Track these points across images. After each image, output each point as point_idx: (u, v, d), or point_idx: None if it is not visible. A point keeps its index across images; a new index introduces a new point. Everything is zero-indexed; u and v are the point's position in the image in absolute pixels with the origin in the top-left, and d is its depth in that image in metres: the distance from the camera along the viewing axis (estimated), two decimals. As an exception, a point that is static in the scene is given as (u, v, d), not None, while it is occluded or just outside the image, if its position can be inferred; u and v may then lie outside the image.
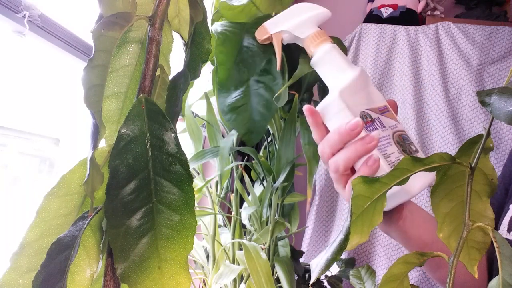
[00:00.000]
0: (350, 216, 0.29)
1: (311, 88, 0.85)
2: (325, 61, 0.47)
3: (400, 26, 1.52)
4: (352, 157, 0.42)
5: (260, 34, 0.49)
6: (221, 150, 0.77)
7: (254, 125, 0.63)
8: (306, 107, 0.46)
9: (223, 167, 0.80)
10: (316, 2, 0.52)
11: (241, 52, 0.61)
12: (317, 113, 0.46)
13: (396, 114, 0.49)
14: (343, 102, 0.44)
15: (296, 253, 0.91)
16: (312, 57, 0.48)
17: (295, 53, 0.74)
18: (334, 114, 0.45)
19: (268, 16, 0.56)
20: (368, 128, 0.44)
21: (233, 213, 0.91)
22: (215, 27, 0.64)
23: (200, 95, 0.91)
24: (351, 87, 0.45)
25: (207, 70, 0.92)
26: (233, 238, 0.89)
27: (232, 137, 0.78)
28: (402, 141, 0.46)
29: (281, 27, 0.49)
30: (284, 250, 0.88)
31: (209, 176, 0.93)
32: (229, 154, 0.87)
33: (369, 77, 0.48)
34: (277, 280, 0.83)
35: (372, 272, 0.90)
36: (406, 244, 0.53)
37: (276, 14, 0.51)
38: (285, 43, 0.49)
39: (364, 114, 0.45)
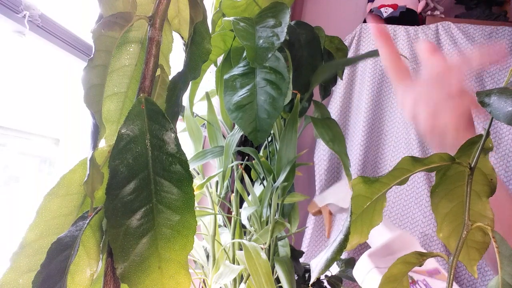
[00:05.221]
0: (350, 216, 0.29)
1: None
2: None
3: (400, 26, 1.52)
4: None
5: (311, 208, 0.56)
6: (227, 147, 0.77)
7: (260, 124, 0.63)
8: (375, 28, 0.46)
9: (227, 164, 0.79)
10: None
11: (259, 38, 0.62)
12: (386, 32, 0.46)
13: None
14: (372, 263, 0.48)
15: (296, 253, 0.91)
16: None
17: (299, 51, 0.74)
18: (364, 275, 0.50)
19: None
20: None
21: (233, 213, 0.91)
22: (230, 25, 0.65)
23: (200, 95, 0.91)
24: (383, 249, 0.49)
25: (207, 70, 0.92)
26: (233, 238, 0.89)
27: (239, 134, 0.78)
28: None
29: (328, 201, 0.54)
30: (284, 250, 0.88)
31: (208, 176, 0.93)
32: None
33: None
34: (277, 280, 0.82)
35: (372, 272, 0.90)
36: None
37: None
38: (334, 214, 0.55)
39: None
